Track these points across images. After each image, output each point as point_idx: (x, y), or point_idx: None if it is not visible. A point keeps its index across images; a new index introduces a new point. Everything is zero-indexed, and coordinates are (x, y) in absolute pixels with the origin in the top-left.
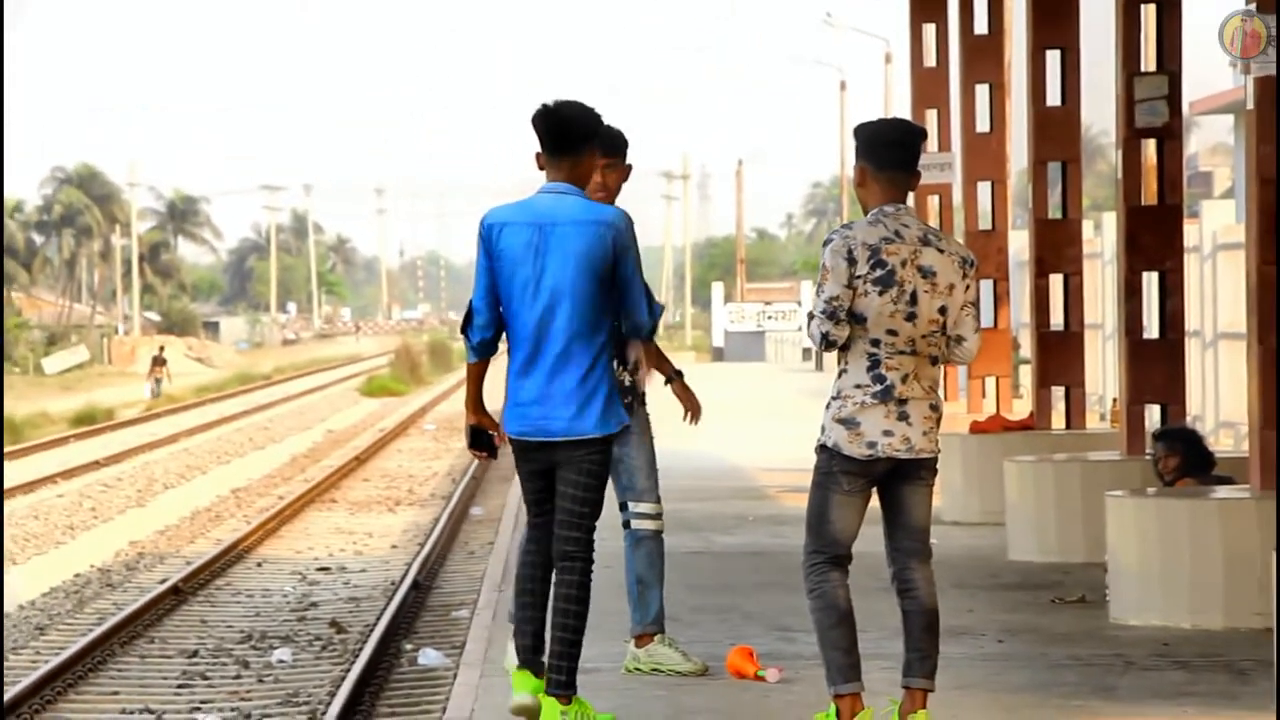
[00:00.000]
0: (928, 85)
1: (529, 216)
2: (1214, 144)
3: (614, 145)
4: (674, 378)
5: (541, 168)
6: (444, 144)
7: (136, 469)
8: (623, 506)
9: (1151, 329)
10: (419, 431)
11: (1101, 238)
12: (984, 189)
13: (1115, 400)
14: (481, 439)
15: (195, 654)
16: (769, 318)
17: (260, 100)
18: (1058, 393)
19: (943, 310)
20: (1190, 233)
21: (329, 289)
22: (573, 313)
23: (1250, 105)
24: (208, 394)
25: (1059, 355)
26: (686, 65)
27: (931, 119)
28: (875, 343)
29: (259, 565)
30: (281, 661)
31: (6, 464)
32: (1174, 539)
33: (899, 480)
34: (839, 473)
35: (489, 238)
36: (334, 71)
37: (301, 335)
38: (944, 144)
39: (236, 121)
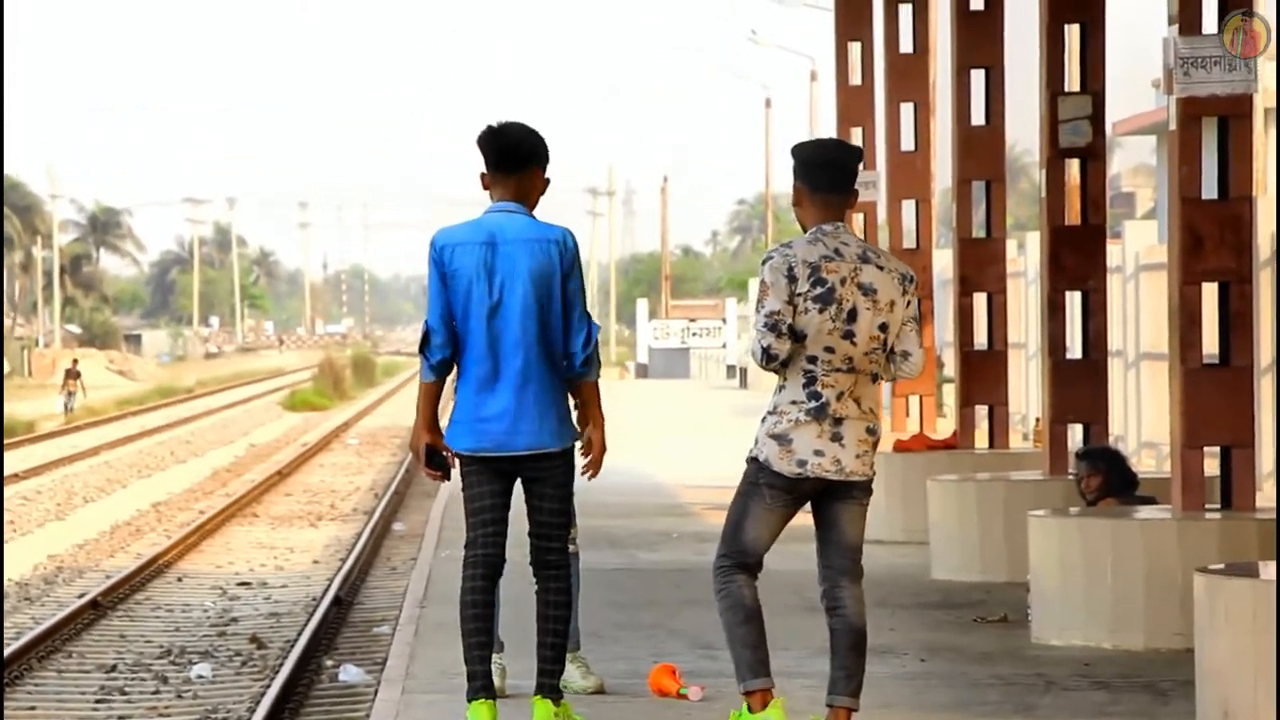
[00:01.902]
0: (853, 103)
1: (480, 236)
2: (1136, 164)
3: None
4: (595, 423)
5: (486, 188)
6: (368, 155)
7: (56, 482)
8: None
9: (1075, 349)
10: (342, 446)
11: (1025, 257)
12: (909, 207)
13: (1038, 419)
14: (436, 459)
15: (114, 669)
16: (693, 334)
17: (184, 111)
18: (981, 412)
19: (883, 327)
20: (1113, 253)
21: (252, 302)
22: (528, 328)
23: (1172, 126)
24: (129, 407)
25: (982, 374)
26: (612, 80)
27: (857, 136)
28: (812, 360)
29: (179, 580)
30: (201, 677)
31: None
32: (1096, 559)
33: (830, 498)
34: (764, 485)
35: (441, 259)
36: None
37: (224, 349)
38: (869, 162)
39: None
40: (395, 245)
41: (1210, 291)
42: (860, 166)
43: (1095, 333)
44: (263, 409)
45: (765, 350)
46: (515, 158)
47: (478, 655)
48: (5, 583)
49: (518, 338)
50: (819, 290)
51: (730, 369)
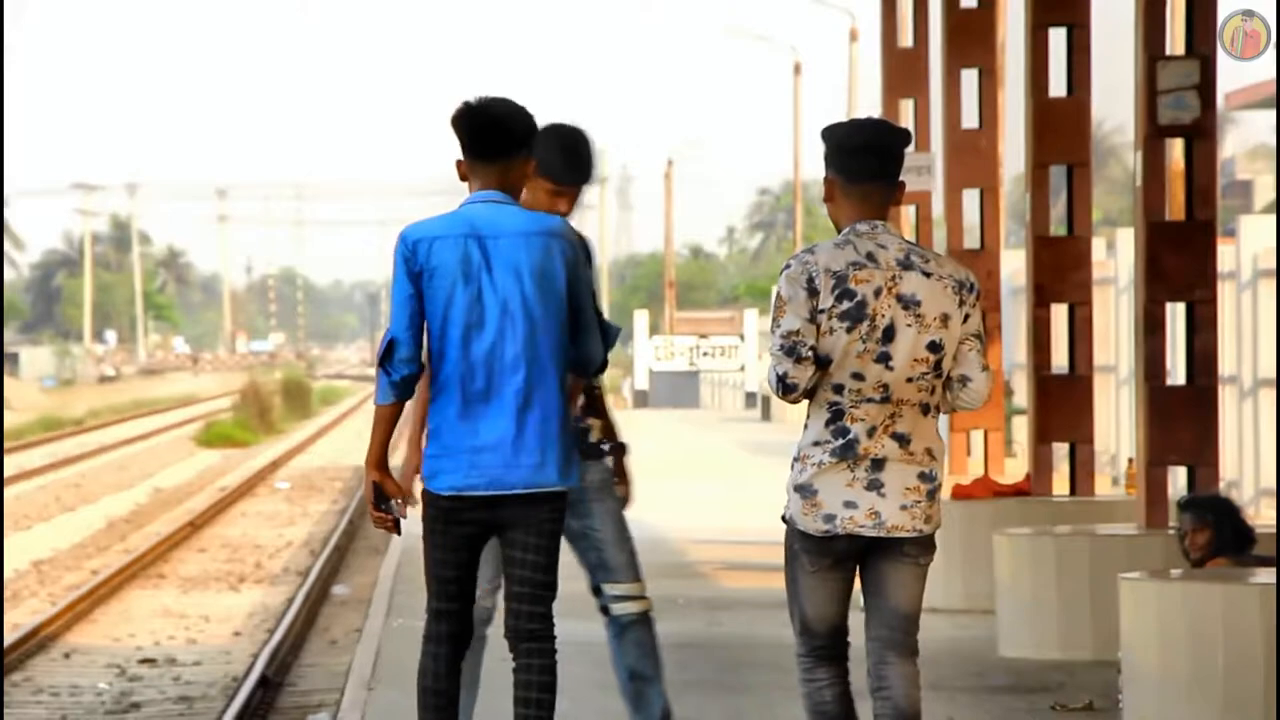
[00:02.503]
0: (902, 69)
1: (464, 229)
2: (1254, 145)
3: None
4: (618, 448)
5: (464, 177)
6: (302, 136)
7: None
8: (596, 591)
9: (1177, 373)
10: (269, 491)
11: (1116, 259)
12: (971, 198)
13: (1131, 461)
14: (386, 503)
15: None
16: (704, 354)
17: (75, 83)
18: (1060, 450)
19: (934, 346)
20: (1225, 254)
21: (158, 313)
22: (530, 339)
23: None
24: (5, 442)
25: (1062, 404)
26: (604, 39)
27: (907, 111)
28: (839, 389)
29: (66, 656)
30: None
31: None
32: (1204, 632)
33: (877, 556)
34: (800, 551)
35: (413, 256)
36: (169, 50)
37: (123, 370)
38: (922, 143)
39: (44, 108)
40: (336, 246)
41: None
42: (907, 150)
43: (1203, 353)
44: (171, 445)
45: (781, 379)
46: (499, 140)
47: None
48: None
49: (519, 351)
50: (846, 305)
51: (750, 397)
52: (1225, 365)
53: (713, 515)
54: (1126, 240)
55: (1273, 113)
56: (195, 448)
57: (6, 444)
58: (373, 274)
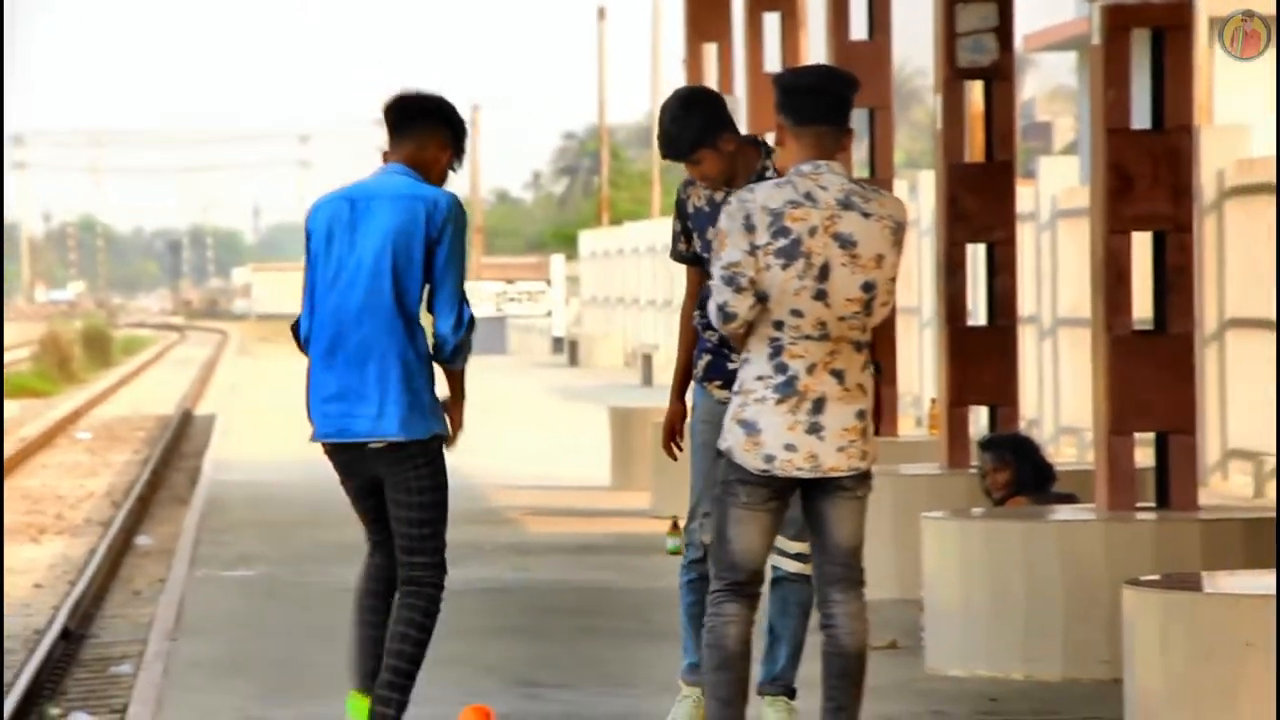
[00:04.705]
0: (705, 13)
1: (346, 194)
2: (1053, 87)
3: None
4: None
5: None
6: (101, 81)
7: None
8: None
9: (978, 314)
10: (70, 442)
11: (918, 202)
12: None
13: (934, 401)
14: None
15: None
16: (511, 300)
17: None
18: None
19: (867, 286)
20: (1025, 196)
21: None
22: (375, 294)
23: (1096, 40)
24: None
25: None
26: None
27: (710, 55)
28: (778, 325)
29: None
30: None
31: None
32: (1004, 571)
33: (815, 494)
34: (736, 483)
35: (307, 221)
36: None
37: None
38: (725, 86)
39: None
40: (136, 193)
41: (1142, 242)
42: (854, 98)
43: (1003, 294)
44: None
45: (721, 308)
46: (406, 116)
47: (369, 650)
48: None
49: (360, 303)
50: (781, 242)
51: (557, 342)
52: (1025, 305)
53: (519, 462)
54: (928, 183)
55: (1073, 54)
56: None
57: None
58: (174, 222)
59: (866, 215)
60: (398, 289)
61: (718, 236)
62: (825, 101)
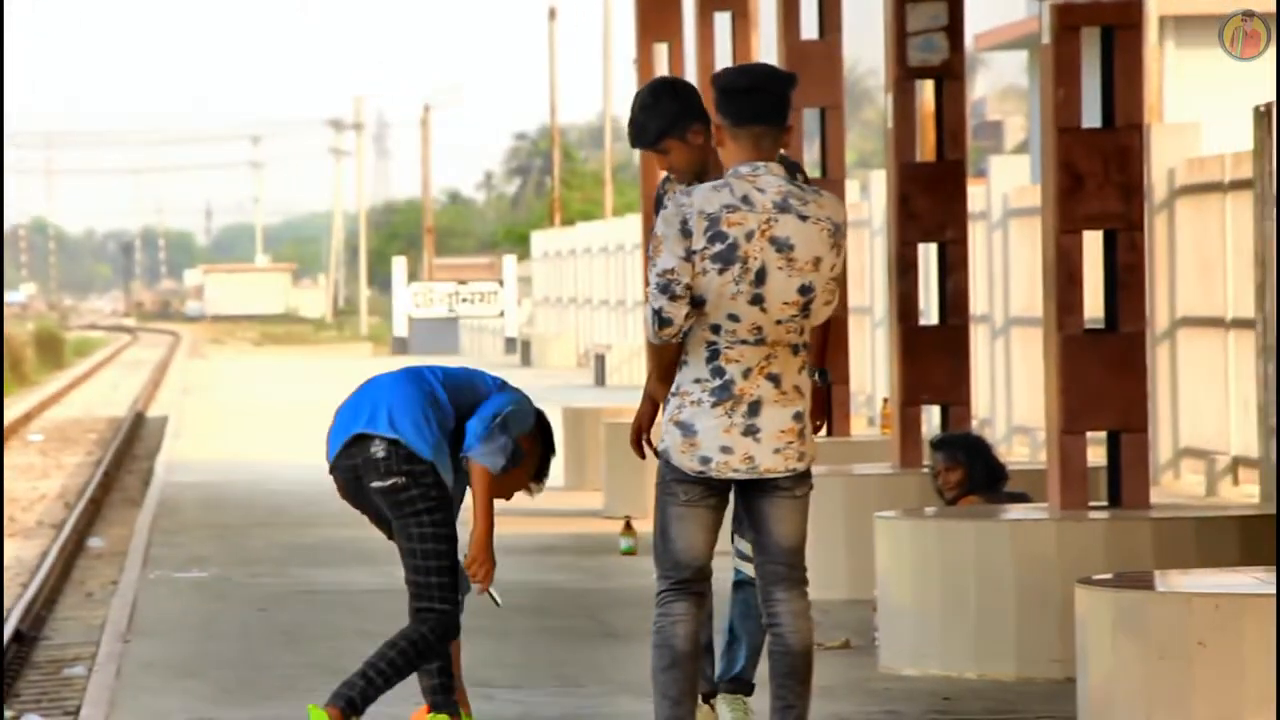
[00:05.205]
0: (655, 13)
1: None
2: (1004, 86)
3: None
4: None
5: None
6: (53, 81)
7: None
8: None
9: (930, 313)
10: (22, 444)
11: (869, 201)
12: None
13: (886, 401)
14: None
15: None
16: (464, 300)
17: None
18: None
19: (804, 290)
20: (976, 195)
21: None
22: None
23: (1046, 39)
24: None
25: (816, 346)
26: None
27: (661, 55)
28: (715, 329)
29: None
30: None
31: None
32: (957, 570)
33: (754, 494)
34: (673, 481)
35: None
36: None
37: None
38: None
39: None
40: (88, 195)
41: (1094, 241)
42: (792, 96)
43: (955, 293)
44: None
45: (657, 314)
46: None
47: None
48: None
49: None
50: (718, 247)
51: (510, 342)
52: (977, 305)
53: None
54: (879, 182)
55: (1023, 53)
56: None
57: None
58: (126, 223)
59: (804, 218)
60: None
61: (654, 241)
62: (763, 101)
